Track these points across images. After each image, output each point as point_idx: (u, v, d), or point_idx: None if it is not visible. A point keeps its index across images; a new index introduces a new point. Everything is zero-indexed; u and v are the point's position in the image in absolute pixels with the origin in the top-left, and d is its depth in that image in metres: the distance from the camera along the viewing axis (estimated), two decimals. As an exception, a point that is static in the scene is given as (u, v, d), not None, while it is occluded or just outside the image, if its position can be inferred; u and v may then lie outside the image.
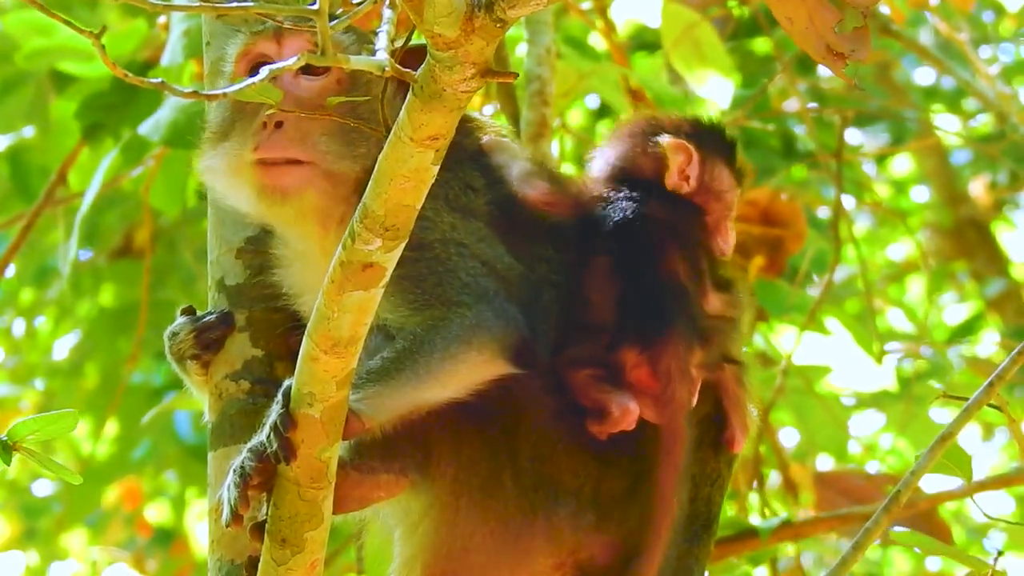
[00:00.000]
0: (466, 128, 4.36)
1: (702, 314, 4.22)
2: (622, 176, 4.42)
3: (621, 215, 4.29)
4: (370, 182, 3.46)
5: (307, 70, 4.25)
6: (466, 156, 4.30)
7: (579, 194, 4.38)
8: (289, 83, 4.25)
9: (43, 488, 11.98)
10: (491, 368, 4.05)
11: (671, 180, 4.38)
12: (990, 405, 4.16)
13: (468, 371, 4.03)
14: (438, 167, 3.43)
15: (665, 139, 4.40)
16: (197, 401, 4.64)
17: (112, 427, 9.92)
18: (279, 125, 4.18)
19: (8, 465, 4.00)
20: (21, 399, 11.32)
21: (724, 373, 4.24)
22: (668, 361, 4.10)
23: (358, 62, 2.99)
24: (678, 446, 4.08)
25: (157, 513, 12.67)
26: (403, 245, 3.55)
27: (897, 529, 4.23)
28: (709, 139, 4.46)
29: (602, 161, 4.50)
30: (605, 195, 4.35)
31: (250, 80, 3.00)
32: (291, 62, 2.88)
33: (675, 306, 4.17)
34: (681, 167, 4.38)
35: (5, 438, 4.01)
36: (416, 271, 4.09)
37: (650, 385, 4.11)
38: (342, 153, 4.20)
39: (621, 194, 4.34)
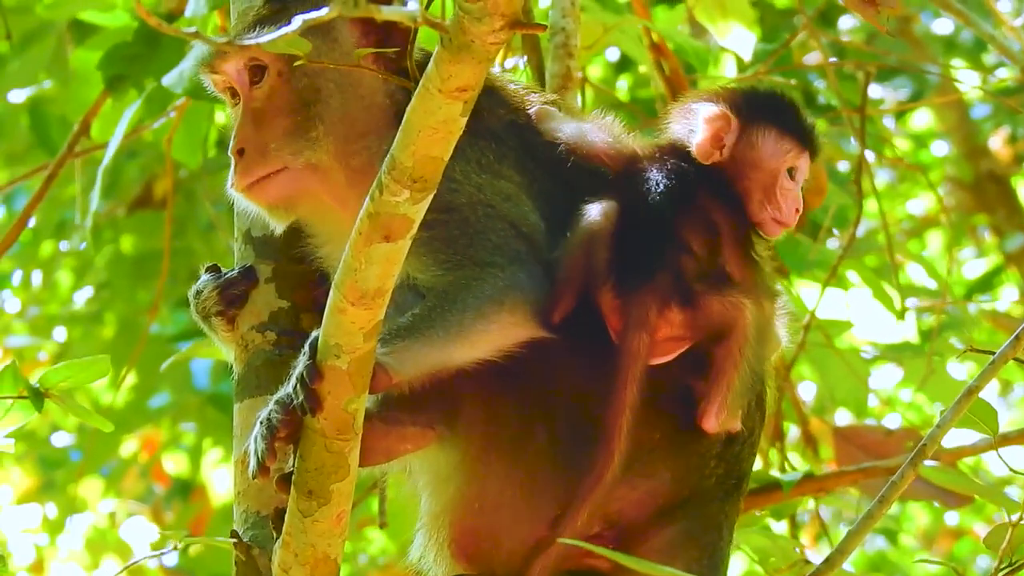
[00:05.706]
0: (504, 98, 4.38)
1: (698, 279, 4.15)
2: (669, 147, 4.35)
3: (647, 174, 4.26)
4: (398, 134, 3.47)
5: (253, 79, 4.30)
6: (499, 122, 4.31)
7: (630, 155, 4.34)
8: (245, 98, 4.32)
9: (62, 440, 12.01)
10: (522, 330, 4.04)
11: (699, 149, 4.28)
12: (1016, 359, 4.16)
13: (499, 332, 4.02)
14: (466, 119, 3.42)
15: (703, 108, 4.32)
16: (215, 350, 4.66)
17: (129, 377, 9.92)
18: (241, 153, 4.27)
19: (40, 412, 4.03)
20: (40, 349, 11.34)
21: (723, 347, 4.15)
22: (633, 310, 4.08)
23: (390, 13, 2.98)
24: (624, 395, 4.03)
25: (175, 464, 12.70)
26: (430, 197, 3.55)
27: (929, 464, 4.21)
28: (756, 106, 4.33)
29: (664, 133, 4.44)
30: (645, 159, 4.31)
31: (281, 31, 3.00)
32: (323, 13, 2.86)
33: (661, 261, 4.13)
34: (718, 135, 4.28)
35: (37, 385, 4.04)
36: (447, 233, 4.09)
37: (615, 329, 4.10)
38: (300, 145, 4.25)
39: (658, 160, 4.30)
